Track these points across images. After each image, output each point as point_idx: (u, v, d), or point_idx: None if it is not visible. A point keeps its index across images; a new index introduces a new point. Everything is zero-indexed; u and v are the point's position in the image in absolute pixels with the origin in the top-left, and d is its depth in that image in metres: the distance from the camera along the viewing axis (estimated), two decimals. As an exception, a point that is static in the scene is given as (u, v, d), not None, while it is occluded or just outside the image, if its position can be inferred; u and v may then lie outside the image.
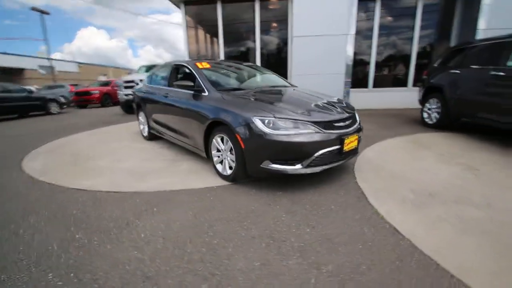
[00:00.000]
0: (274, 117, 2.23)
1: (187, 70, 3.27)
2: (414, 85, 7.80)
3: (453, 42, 7.36)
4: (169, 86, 3.58)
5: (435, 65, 5.14)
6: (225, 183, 2.62)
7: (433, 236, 1.67)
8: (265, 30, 7.95)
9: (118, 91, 8.34)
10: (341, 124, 2.42)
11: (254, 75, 3.78)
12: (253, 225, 1.87)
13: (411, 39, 7.55)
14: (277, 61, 8.07)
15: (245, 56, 8.29)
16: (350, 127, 2.51)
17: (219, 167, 2.75)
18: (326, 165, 2.34)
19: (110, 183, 2.72)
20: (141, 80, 8.11)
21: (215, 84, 2.96)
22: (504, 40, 3.66)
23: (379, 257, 1.49)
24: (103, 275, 1.42)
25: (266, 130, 2.19)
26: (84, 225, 1.93)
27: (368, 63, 7.73)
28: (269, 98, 2.76)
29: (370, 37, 7.56)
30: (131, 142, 4.50)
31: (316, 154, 2.21)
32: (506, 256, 1.47)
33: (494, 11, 6.28)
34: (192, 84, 2.97)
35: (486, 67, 3.75)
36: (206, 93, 2.83)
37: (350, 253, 1.54)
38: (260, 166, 2.28)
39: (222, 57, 8.08)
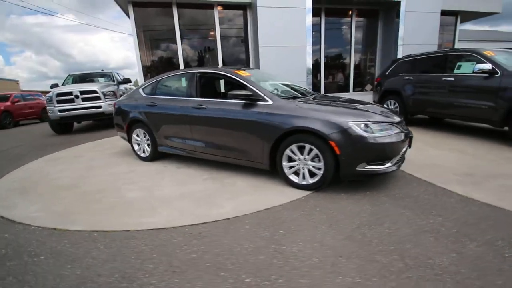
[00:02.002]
0: (368, 121, 2.38)
1: (229, 79, 3.03)
2: (354, 90, 9.29)
3: (378, 55, 9.13)
4: (199, 96, 3.21)
5: (387, 73, 6.31)
6: (304, 193, 2.58)
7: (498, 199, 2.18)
8: (225, 38, 7.90)
9: (48, 107, 6.61)
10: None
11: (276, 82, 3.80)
12: (407, 222, 1.97)
13: (349, 51, 8.96)
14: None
15: (204, 63, 8.01)
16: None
17: (293, 177, 2.67)
18: (402, 162, 2.64)
19: (180, 214, 2.26)
20: (111, 92, 6.77)
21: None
22: (448, 53, 4.90)
23: (478, 214, 1.86)
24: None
25: (364, 134, 2.32)
26: (232, 264, 1.59)
27: (319, 72, 8.72)
28: (340, 104, 2.86)
29: (319, 50, 8.55)
30: (130, 165, 3.73)
31: (401, 152, 2.49)
32: None
33: (407, 31, 8.17)
34: (250, 93, 2.77)
35: (438, 74, 4.91)
36: (270, 102, 2.71)
37: (468, 215, 1.85)
38: (356, 169, 2.39)
39: (181, 63, 7.55)
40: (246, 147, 2.86)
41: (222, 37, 7.74)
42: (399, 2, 7.96)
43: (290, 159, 2.66)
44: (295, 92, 3.33)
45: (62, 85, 7.78)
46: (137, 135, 3.87)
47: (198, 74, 3.29)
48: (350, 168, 2.39)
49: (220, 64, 7.87)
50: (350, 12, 8.65)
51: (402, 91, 5.66)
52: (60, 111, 6.52)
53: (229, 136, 2.95)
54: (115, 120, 4.20)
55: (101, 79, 8.57)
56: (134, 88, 6.77)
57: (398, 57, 6.26)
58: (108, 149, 4.83)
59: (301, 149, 2.56)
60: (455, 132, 4.84)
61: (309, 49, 7.60)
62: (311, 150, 2.50)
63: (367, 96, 8.03)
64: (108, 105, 6.87)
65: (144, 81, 7.37)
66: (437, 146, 3.97)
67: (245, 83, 2.90)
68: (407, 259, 1.58)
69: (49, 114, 6.62)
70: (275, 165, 2.78)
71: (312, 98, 2.95)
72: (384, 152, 2.38)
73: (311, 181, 2.57)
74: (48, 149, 5.05)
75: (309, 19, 7.38)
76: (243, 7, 7.69)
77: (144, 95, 3.75)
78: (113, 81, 8.10)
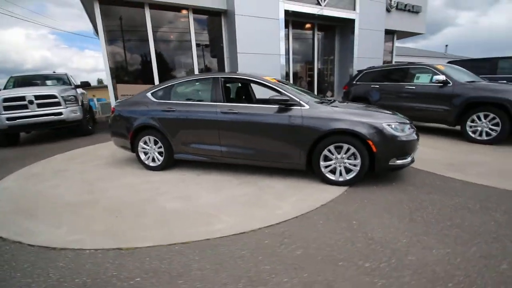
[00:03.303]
0: (397, 122, 2.79)
1: (261, 85, 3.13)
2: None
3: (336, 65, 10.21)
4: (226, 101, 3.20)
5: (354, 82, 7.17)
6: (342, 188, 2.84)
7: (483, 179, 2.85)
8: (200, 43, 7.78)
9: (-9, 114, 5.42)
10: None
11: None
12: (441, 203, 2.37)
13: (313, 61, 9.80)
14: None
15: (182, 67, 7.74)
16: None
17: (330, 175, 2.92)
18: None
19: (244, 218, 2.26)
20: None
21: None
22: (408, 66, 5.89)
23: (483, 193, 2.46)
24: None
25: (396, 133, 2.72)
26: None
27: (288, 79, 9.27)
28: (366, 108, 3.19)
29: (287, 59, 9.10)
30: (139, 175, 3.43)
31: (417, 147, 2.98)
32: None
33: (361, 44, 9.38)
34: (288, 98, 2.92)
35: (401, 83, 5.86)
36: (307, 107, 2.91)
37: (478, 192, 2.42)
38: (388, 164, 2.77)
39: (155, 68, 7.12)
40: (283, 149, 2.99)
41: (197, 43, 7.60)
42: (353, 20, 9.11)
43: (326, 159, 2.90)
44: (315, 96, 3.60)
45: (3, 89, 6.48)
46: (145, 143, 3.58)
47: (223, 79, 3.28)
48: (384, 163, 2.76)
49: (196, 69, 7.70)
50: (312, 26, 9.48)
51: (369, 97, 6.52)
52: (8, 119, 5.43)
53: (265, 140, 3.03)
54: (113, 128, 3.80)
55: (49, 82, 7.43)
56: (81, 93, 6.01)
57: (363, 69, 7.16)
58: (93, 160, 4.28)
59: (337, 149, 2.83)
60: (419, 131, 5.81)
61: (283, 58, 8.06)
62: (348, 149, 2.79)
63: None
64: (70, 111, 6.04)
65: (112, 84, 6.71)
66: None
67: (279, 89, 3.04)
68: (467, 229, 1.96)
69: (-6, 122, 5.45)
70: (309, 165, 2.98)
71: (338, 102, 3.26)
72: (408, 147, 2.82)
73: (348, 177, 2.86)
74: (7, 166, 4.18)
75: (282, 29, 7.84)
76: (217, 14, 7.70)
77: (155, 100, 3.52)
78: (70, 84, 7.11)
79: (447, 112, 4.97)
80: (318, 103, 3.00)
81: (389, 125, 2.73)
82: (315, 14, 8.38)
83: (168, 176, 3.40)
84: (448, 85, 4.97)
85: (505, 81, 5.43)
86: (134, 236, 2.04)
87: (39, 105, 5.68)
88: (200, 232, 2.06)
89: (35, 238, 2.05)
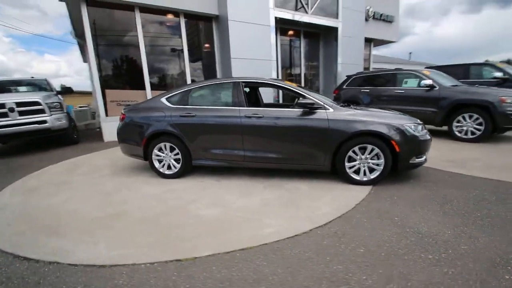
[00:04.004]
0: (415, 123, 2.99)
1: (285, 90, 3.19)
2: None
3: (321, 70, 10.61)
4: (248, 106, 3.20)
5: (344, 87, 7.51)
6: (367, 187, 2.97)
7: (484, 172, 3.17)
8: (191, 48, 7.65)
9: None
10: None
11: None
12: (462, 197, 2.58)
13: (300, 66, 10.09)
14: (210, 78, 7.99)
15: (174, 72, 7.55)
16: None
17: (354, 175, 3.04)
18: (425, 155, 3.38)
19: (289, 221, 2.27)
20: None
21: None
22: (396, 72, 6.31)
23: (491, 186, 2.76)
24: None
25: (416, 133, 2.92)
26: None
27: (277, 84, 9.43)
28: (385, 111, 3.34)
29: (276, 64, 9.28)
30: (156, 185, 3.28)
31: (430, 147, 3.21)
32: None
33: (344, 51, 9.86)
34: (313, 102, 3.00)
35: (391, 88, 6.26)
36: (331, 110, 3.01)
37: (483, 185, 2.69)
38: (409, 162, 2.95)
39: (146, 73, 6.86)
40: (309, 152, 3.05)
41: (188, 48, 7.47)
42: (337, 28, 9.57)
43: (349, 159, 3.02)
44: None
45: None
46: (159, 150, 3.44)
47: (244, 83, 3.28)
48: (406, 162, 2.94)
49: (188, 75, 7.55)
50: (298, 33, 9.79)
51: (360, 101, 6.87)
52: (-13, 127, 4.90)
53: (290, 143, 3.08)
54: (123, 135, 3.60)
55: (23, 88, 6.83)
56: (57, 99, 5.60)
57: (351, 74, 7.53)
58: (95, 171, 4.00)
59: (361, 150, 2.96)
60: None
61: (274, 63, 8.21)
62: (372, 149, 2.93)
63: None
64: (55, 119, 5.60)
65: (99, 89, 6.34)
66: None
67: (304, 93, 3.11)
68: (496, 218, 2.16)
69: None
70: (333, 166, 3.08)
71: (361, 107, 3.40)
72: (424, 146, 3.03)
73: (372, 176, 2.99)
74: None
75: (273, 35, 8.00)
76: (209, 19, 7.66)
77: (171, 105, 3.40)
78: (51, 90, 6.59)
79: (435, 114, 5.40)
80: (341, 106, 3.11)
81: (409, 126, 2.92)
82: (300, 21, 8.67)
83: (187, 184, 3.29)
84: (435, 89, 5.42)
85: (477, 85, 6.05)
86: (186, 246, 1.96)
87: (21, 113, 5.20)
88: (253, 237, 2.03)
89: (73, 257, 1.88)
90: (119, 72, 6.84)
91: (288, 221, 2.27)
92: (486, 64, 6.98)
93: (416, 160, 2.98)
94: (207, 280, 1.59)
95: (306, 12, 8.71)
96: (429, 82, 5.45)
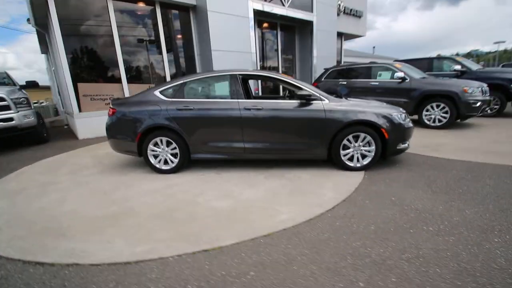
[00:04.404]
0: (401, 112, 3.27)
1: (281, 82, 3.26)
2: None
3: (297, 63, 10.86)
4: (245, 98, 3.23)
5: (322, 79, 7.81)
6: (360, 173, 3.21)
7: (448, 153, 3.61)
8: (168, 39, 7.37)
9: None
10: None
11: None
12: (458, 178, 2.91)
13: (277, 58, 10.22)
14: (188, 72, 7.79)
15: (149, 65, 7.22)
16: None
17: (349, 163, 3.26)
18: (406, 141, 3.71)
19: (300, 207, 2.41)
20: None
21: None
22: (370, 65, 6.72)
23: (474, 167, 3.18)
24: None
25: (402, 121, 3.20)
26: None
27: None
28: (370, 101, 3.57)
29: (256, 57, 9.30)
30: (153, 181, 3.21)
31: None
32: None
33: (318, 44, 10.19)
34: (310, 93, 3.13)
35: (366, 80, 6.66)
36: (326, 101, 3.18)
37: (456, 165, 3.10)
38: (396, 148, 3.24)
39: (121, 65, 6.49)
40: (307, 141, 3.20)
41: (166, 39, 7.19)
42: (312, 22, 9.83)
43: (343, 147, 3.23)
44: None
45: None
46: (155, 145, 3.36)
47: (241, 76, 3.30)
48: (393, 148, 3.22)
49: (166, 67, 7.28)
50: (275, 26, 9.88)
51: (338, 92, 7.19)
52: None
53: (290, 134, 3.20)
54: (114, 132, 3.44)
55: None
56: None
57: (329, 67, 7.84)
58: (82, 170, 3.79)
59: (354, 138, 3.18)
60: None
61: (254, 56, 8.23)
62: (364, 137, 3.16)
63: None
64: (22, 116, 5.12)
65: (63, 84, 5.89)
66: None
67: (300, 85, 3.23)
68: (475, 193, 2.50)
69: None
70: (329, 155, 3.27)
71: (349, 98, 3.61)
72: (408, 133, 3.33)
73: (364, 162, 3.24)
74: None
75: (252, 27, 8.00)
76: (185, 9, 7.41)
77: (166, 98, 3.32)
78: (14, 84, 5.95)
79: (407, 104, 5.87)
80: (336, 97, 3.29)
81: (396, 114, 3.19)
82: (277, 14, 8.76)
83: (187, 178, 3.27)
84: (406, 81, 5.90)
85: (441, 77, 6.68)
86: (208, 236, 1.99)
87: None
88: (271, 224, 2.13)
89: (93, 257, 1.82)
90: (92, 64, 6.39)
91: (299, 208, 2.40)
92: (447, 58, 7.71)
93: (401, 146, 3.28)
94: (240, 265, 1.66)
95: (283, 5, 8.82)
96: (401, 74, 5.90)
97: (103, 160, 4.24)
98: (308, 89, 3.22)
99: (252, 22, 7.99)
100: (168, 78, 7.30)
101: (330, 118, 3.11)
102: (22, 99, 5.22)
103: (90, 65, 6.34)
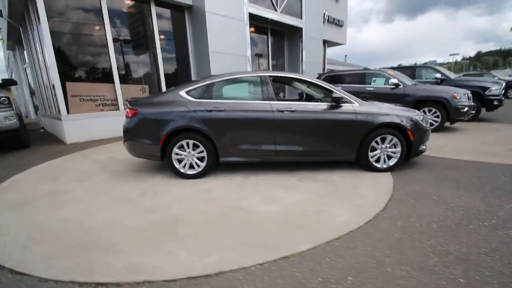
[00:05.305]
0: (422, 115, 3.45)
1: (313, 85, 3.28)
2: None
3: (286, 68, 11.03)
4: (276, 100, 3.19)
5: (316, 83, 8.01)
6: (387, 174, 3.31)
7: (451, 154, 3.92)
8: (164, 39, 7.06)
9: None
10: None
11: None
12: (475, 176, 3.11)
13: (268, 62, 10.30)
14: (182, 73, 7.52)
15: (143, 67, 6.85)
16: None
17: (376, 164, 3.35)
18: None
19: (353, 209, 2.41)
20: None
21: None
22: (364, 72, 7.05)
23: (481, 166, 3.46)
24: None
25: (424, 124, 3.38)
26: None
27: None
28: (393, 105, 3.70)
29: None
30: (185, 186, 3.01)
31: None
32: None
33: (307, 50, 10.47)
34: (341, 96, 3.17)
35: (361, 85, 6.97)
36: (356, 104, 3.25)
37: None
38: (418, 150, 3.41)
39: (114, 65, 6.06)
40: (338, 143, 3.24)
41: (160, 39, 6.88)
42: (301, 28, 10.09)
43: (371, 149, 3.32)
44: None
45: None
46: (179, 148, 3.16)
47: (271, 77, 3.25)
48: (416, 149, 3.38)
49: (161, 67, 6.95)
50: (266, 31, 9.97)
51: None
52: None
53: (321, 136, 3.21)
54: (133, 135, 3.18)
55: None
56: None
57: (322, 73, 8.08)
58: (89, 176, 3.44)
59: (382, 140, 3.29)
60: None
61: (249, 59, 8.20)
62: (391, 139, 3.28)
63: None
64: (3, 118, 4.55)
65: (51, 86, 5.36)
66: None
67: (331, 88, 3.27)
68: (500, 189, 2.70)
69: None
70: (357, 156, 3.34)
71: (373, 101, 3.72)
72: (428, 136, 3.52)
73: (391, 163, 3.36)
74: None
75: (247, 31, 7.98)
76: (181, 8, 7.17)
77: (193, 99, 3.14)
78: (-11, 82, 5.25)
79: (401, 108, 6.25)
80: (363, 100, 3.38)
81: (418, 117, 3.36)
82: (270, 19, 8.86)
83: (217, 182, 3.12)
84: (399, 87, 6.27)
85: (427, 84, 7.21)
86: (280, 242, 1.91)
87: None
88: (335, 227, 2.10)
89: (164, 273, 1.63)
90: (82, 62, 5.87)
91: (352, 209, 2.40)
92: (428, 67, 8.39)
93: (422, 147, 3.46)
94: (332, 271, 1.60)
95: (276, 10, 8.94)
96: (395, 81, 6.27)
97: (109, 166, 3.89)
98: (339, 92, 3.26)
99: (248, 26, 7.97)
100: (162, 79, 6.97)
101: (361, 120, 3.18)
102: (3, 98, 4.62)
103: (80, 63, 5.82)
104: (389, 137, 3.27)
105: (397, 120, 3.21)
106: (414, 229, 2.04)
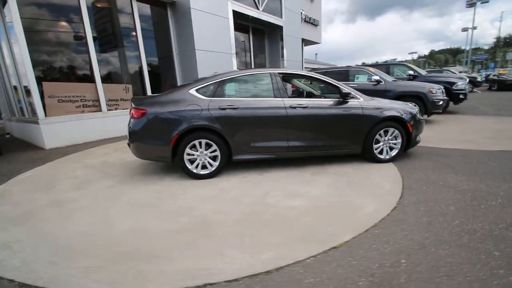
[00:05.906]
0: (417, 109, 3.73)
1: (320, 81, 3.37)
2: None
3: (267, 65, 11.12)
4: (287, 96, 3.24)
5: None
6: (391, 164, 3.53)
7: (446, 143, 4.32)
8: (146, 37, 6.73)
9: None
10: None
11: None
12: (476, 165, 3.42)
13: (250, 60, 10.29)
14: (166, 71, 7.23)
15: (126, 65, 6.48)
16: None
17: (380, 155, 3.56)
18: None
19: (382, 202, 2.55)
20: None
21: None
22: (347, 69, 7.38)
23: (488, 156, 3.86)
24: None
25: (420, 117, 3.65)
26: None
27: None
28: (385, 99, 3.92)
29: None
30: (198, 186, 2.94)
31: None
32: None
33: (288, 48, 10.66)
34: (348, 92, 3.31)
35: (345, 82, 7.27)
36: (361, 99, 3.41)
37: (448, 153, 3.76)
38: (416, 140, 3.69)
39: (95, 63, 5.65)
40: (348, 137, 3.39)
41: (143, 36, 6.54)
42: (282, 26, 10.24)
43: (378, 142, 3.52)
44: None
45: None
46: (191, 148, 3.07)
47: (281, 74, 3.28)
48: (414, 140, 3.65)
49: (144, 65, 6.62)
50: (248, 29, 9.96)
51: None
52: None
53: (332, 131, 3.33)
54: (141, 136, 3.02)
55: None
56: None
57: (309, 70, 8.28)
58: (89, 183, 3.20)
59: (384, 132, 3.50)
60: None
61: (234, 57, 8.14)
62: (393, 132, 3.51)
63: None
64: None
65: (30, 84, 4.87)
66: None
67: (338, 85, 3.39)
68: (494, 173, 3.03)
69: None
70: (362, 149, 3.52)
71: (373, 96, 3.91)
72: (423, 127, 3.82)
73: (392, 154, 3.58)
74: None
75: (232, 28, 7.90)
76: (163, 5, 6.89)
77: (204, 97, 3.06)
78: None
79: (383, 103, 6.66)
80: (366, 96, 3.55)
81: (415, 110, 3.63)
82: (252, 17, 8.87)
83: (232, 181, 3.09)
84: (381, 83, 6.67)
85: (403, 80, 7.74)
86: (322, 235, 1.96)
87: None
88: (366, 216, 2.20)
89: (223, 274, 1.60)
90: (60, 61, 5.38)
91: (374, 199, 2.53)
92: (401, 64, 9.01)
93: (418, 138, 3.75)
94: (384, 256, 1.69)
95: (258, 9, 8.96)
96: (377, 77, 6.66)
97: (106, 170, 3.64)
98: (346, 88, 3.40)
99: (232, 23, 7.90)
100: (146, 77, 6.64)
101: (367, 115, 3.35)
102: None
103: (57, 61, 5.32)
104: (391, 129, 3.48)
105: (399, 114, 3.44)
106: (436, 212, 2.22)
